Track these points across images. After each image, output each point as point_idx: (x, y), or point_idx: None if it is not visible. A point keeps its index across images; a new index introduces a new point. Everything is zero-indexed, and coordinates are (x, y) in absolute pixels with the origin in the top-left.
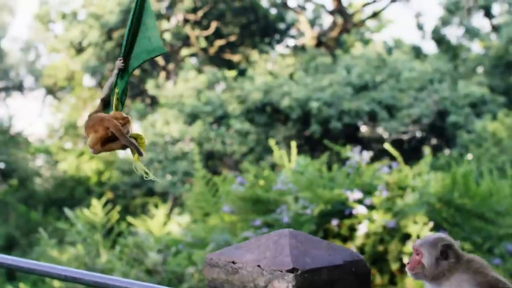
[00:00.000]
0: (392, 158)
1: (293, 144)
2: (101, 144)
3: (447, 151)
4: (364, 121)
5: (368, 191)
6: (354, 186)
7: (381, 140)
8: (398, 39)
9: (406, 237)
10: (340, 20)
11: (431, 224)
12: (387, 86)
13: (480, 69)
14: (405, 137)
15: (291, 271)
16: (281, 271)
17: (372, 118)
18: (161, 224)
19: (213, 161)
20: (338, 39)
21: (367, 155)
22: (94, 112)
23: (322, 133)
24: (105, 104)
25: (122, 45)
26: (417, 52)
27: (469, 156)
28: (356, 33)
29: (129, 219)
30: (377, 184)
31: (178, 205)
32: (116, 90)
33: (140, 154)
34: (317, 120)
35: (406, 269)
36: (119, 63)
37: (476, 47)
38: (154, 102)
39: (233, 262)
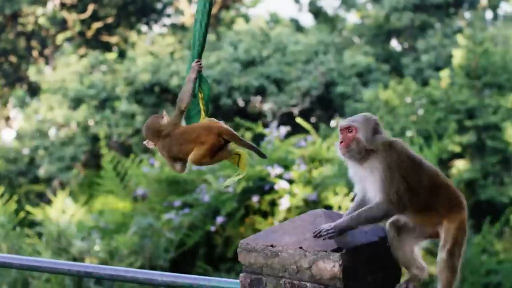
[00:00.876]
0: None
1: None
2: (210, 156)
3: (333, 123)
4: (253, 96)
5: (287, 165)
6: (273, 162)
7: (272, 114)
8: (274, 13)
9: (328, 209)
10: None
11: (352, 194)
12: (274, 61)
13: (360, 39)
14: (295, 110)
15: (336, 250)
16: (326, 251)
17: (262, 93)
18: (60, 211)
19: (98, 144)
20: (217, 16)
21: (284, 130)
22: (173, 126)
23: (212, 111)
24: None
25: (194, 46)
26: (296, 25)
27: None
28: (234, 9)
29: (28, 208)
30: (295, 159)
31: (65, 190)
32: (201, 95)
33: (263, 156)
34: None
35: (339, 149)
36: (196, 65)
37: (353, 18)
38: (34, 89)
39: (272, 246)
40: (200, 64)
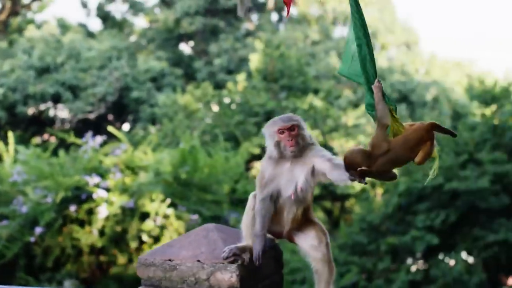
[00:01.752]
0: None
1: (10, 134)
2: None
3: (126, 126)
4: (49, 103)
5: (103, 174)
6: (90, 171)
7: (70, 121)
8: (61, 18)
9: (145, 215)
10: (9, 3)
11: (168, 200)
12: (68, 67)
13: (151, 44)
14: (91, 116)
15: (233, 262)
16: (223, 263)
17: (57, 100)
18: None
19: None
20: (6, 22)
21: (100, 139)
22: (387, 141)
23: (7, 119)
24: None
25: (368, 67)
26: (86, 31)
27: (152, 130)
28: (22, 15)
29: None
30: (110, 167)
31: None
32: (391, 107)
33: (453, 135)
34: (3, 106)
35: (289, 147)
36: (378, 84)
37: (141, 22)
38: None
39: (170, 260)
40: (380, 82)
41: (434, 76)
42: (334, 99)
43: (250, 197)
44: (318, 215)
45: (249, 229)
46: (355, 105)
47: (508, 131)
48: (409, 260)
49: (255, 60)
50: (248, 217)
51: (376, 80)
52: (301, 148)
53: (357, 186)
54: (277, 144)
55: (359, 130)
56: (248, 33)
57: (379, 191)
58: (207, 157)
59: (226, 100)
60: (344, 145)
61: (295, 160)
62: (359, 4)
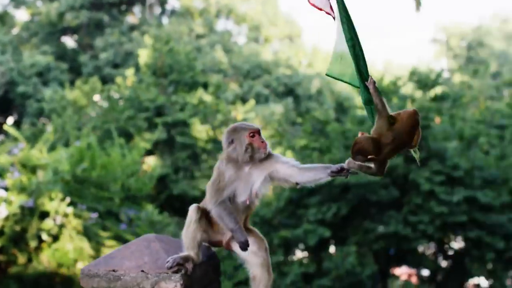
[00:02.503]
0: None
1: None
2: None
3: (10, 120)
4: None
5: (0, 173)
6: None
7: None
8: None
9: (44, 214)
10: None
11: (68, 199)
12: None
13: (34, 37)
14: None
15: (176, 271)
16: (167, 273)
17: None
18: None
19: None
20: None
21: None
22: (388, 129)
23: None
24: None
25: (361, 66)
26: None
27: (48, 128)
28: None
29: None
30: (7, 166)
31: None
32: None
33: None
34: None
35: (262, 149)
36: (372, 80)
37: (23, 15)
38: None
39: (114, 270)
40: (373, 79)
41: (317, 69)
42: (222, 93)
43: (192, 209)
44: None
45: (190, 240)
46: (242, 99)
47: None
48: (301, 253)
49: (144, 55)
50: (190, 229)
51: (370, 77)
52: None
53: None
54: (249, 147)
55: None
56: (133, 27)
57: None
58: (104, 154)
59: (115, 95)
60: None
61: (254, 166)
62: (346, 6)
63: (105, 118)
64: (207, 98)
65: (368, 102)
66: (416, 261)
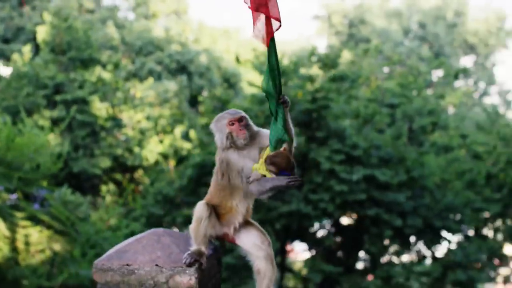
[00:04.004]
0: None
1: None
2: None
3: None
4: None
5: None
6: None
7: None
8: None
9: None
10: None
11: None
12: None
13: None
14: None
15: (190, 265)
16: (182, 267)
17: None
18: None
19: None
20: None
21: None
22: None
23: None
24: None
25: (274, 85)
26: None
27: None
28: None
29: None
30: None
31: None
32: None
33: None
34: None
35: (240, 136)
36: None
37: None
38: None
39: (128, 265)
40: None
41: (204, 44)
42: (117, 71)
43: (201, 206)
44: (110, 188)
45: (201, 236)
46: (135, 76)
47: (297, 104)
48: None
49: (42, 32)
50: (201, 226)
51: (281, 96)
52: (249, 136)
53: (151, 158)
54: (229, 136)
55: (146, 103)
56: (21, 2)
57: (172, 163)
58: (19, 133)
59: (9, 71)
60: (133, 117)
61: (244, 148)
62: None
63: (2, 95)
64: (106, 75)
65: (273, 113)
66: (314, 238)
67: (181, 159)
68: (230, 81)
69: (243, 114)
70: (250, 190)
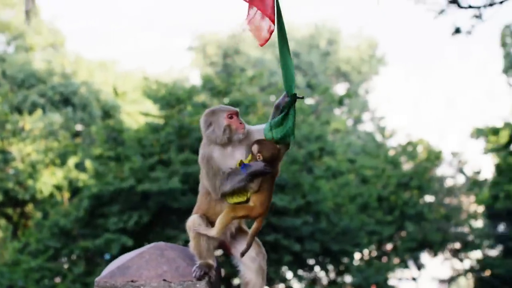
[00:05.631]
0: None
1: None
2: None
3: None
4: None
5: None
6: None
7: None
8: None
9: None
10: None
11: None
12: None
13: None
14: None
15: (200, 278)
16: (192, 281)
17: None
18: None
19: None
20: None
21: None
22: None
23: None
24: None
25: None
26: None
27: None
28: None
29: None
30: None
31: None
32: None
33: None
34: None
35: (240, 130)
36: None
37: None
38: None
39: (133, 281)
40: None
41: (81, 77)
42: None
43: (195, 219)
44: (1, 223)
45: (205, 249)
46: (17, 109)
47: (193, 131)
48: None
49: None
50: (202, 239)
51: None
52: (243, 133)
53: (45, 190)
54: (227, 128)
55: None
56: None
57: (66, 195)
58: None
59: None
60: (22, 149)
61: (235, 145)
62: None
63: None
64: None
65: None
66: None
67: (76, 191)
68: (110, 113)
69: (235, 111)
70: (226, 189)
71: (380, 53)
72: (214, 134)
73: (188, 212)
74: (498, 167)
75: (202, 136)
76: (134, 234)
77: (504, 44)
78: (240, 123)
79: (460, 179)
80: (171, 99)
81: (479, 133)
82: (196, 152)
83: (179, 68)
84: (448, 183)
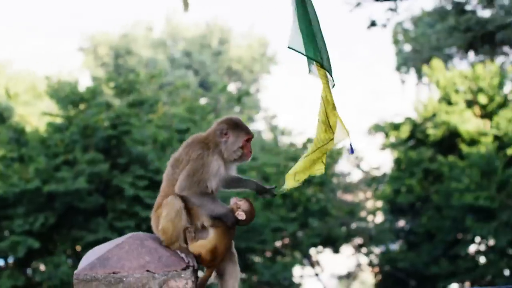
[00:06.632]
0: None
1: None
2: None
3: None
4: None
5: None
6: None
7: None
8: None
9: None
10: None
11: None
12: None
13: None
14: None
15: (185, 268)
16: (177, 271)
17: None
18: None
19: None
20: None
21: None
22: None
23: None
24: None
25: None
26: None
27: None
28: None
29: None
30: None
31: None
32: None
33: None
34: None
35: (248, 157)
36: None
37: None
38: None
39: (114, 273)
40: None
41: None
42: None
43: (174, 199)
44: None
45: (179, 231)
46: None
47: (97, 131)
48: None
49: None
50: (177, 219)
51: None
52: None
53: None
54: (240, 149)
55: None
56: None
57: None
58: None
59: None
60: None
61: (230, 163)
62: None
63: None
64: None
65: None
66: None
67: None
68: (3, 115)
69: None
70: (193, 200)
71: (271, 52)
72: (225, 146)
73: (95, 212)
74: (398, 162)
75: (210, 135)
76: (40, 236)
77: (396, 42)
78: (251, 150)
79: (357, 176)
80: (75, 98)
81: (377, 129)
82: (102, 151)
83: (70, 70)
84: (346, 179)
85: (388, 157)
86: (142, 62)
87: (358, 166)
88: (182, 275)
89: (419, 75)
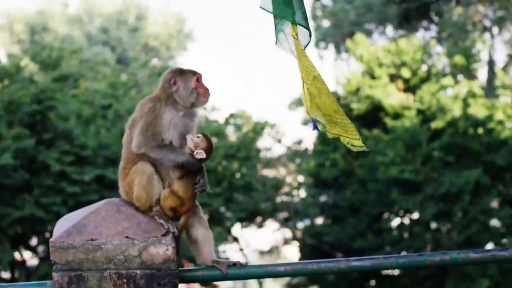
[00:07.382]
0: None
1: None
2: None
3: None
4: None
5: None
6: None
7: None
8: None
9: None
10: None
11: None
12: None
13: None
14: None
15: (165, 234)
16: (157, 237)
17: None
18: None
19: None
20: None
21: None
22: None
23: None
24: None
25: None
26: None
27: None
28: None
29: None
30: None
31: None
32: None
33: None
34: None
35: (207, 96)
36: None
37: None
38: None
39: (92, 240)
40: None
41: None
42: None
43: (144, 164)
44: None
45: (153, 196)
46: None
47: (22, 106)
48: None
49: None
50: (150, 185)
51: None
52: None
53: None
54: (194, 91)
55: None
56: None
57: None
58: None
59: None
60: None
61: (187, 112)
62: None
63: None
64: None
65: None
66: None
67: None
68: None
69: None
70: (152, 154)
71: (187, 29)
72: (177, 94)
73: (20, 188)
74: (322, 136)
75: (158, 92)
76: None
77: (314, 17)
78: (207, 88)
79: (278, 150)
80: None
81: (298, 103)
82: (27, 126)
83: None
84: (267, 154)
85: (310, 132)
86: (58, 39)
87: (279, 141)
88: (163, 241)
89: (338, 50)
